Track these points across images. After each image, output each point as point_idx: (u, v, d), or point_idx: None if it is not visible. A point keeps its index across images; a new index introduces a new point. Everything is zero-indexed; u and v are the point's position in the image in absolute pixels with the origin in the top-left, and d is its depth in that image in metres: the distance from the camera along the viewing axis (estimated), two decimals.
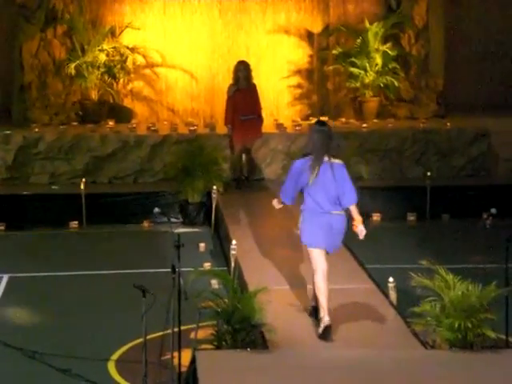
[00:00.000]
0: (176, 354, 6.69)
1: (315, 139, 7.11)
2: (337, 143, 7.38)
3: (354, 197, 7.12)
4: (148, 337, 6.58)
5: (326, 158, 7.08)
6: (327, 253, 7.19)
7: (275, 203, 7.47)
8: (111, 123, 13.61)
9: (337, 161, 7.15)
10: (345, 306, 7.82)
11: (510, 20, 15.02)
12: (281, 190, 7.31)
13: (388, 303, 7.80)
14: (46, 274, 9.86)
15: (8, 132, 12.88)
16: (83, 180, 12.09)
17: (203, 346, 6.87)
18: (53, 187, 12.56)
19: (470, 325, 6.66)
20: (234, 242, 9.00)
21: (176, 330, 6.61)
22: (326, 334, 6.99)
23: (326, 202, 7.06)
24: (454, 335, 6.71)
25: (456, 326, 6.67)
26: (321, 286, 7.09)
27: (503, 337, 6.96)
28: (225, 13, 14.23)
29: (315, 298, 7.24)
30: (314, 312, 7.33)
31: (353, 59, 13.78)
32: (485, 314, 6.71)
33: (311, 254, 7.17)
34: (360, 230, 7.13)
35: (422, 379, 6.35)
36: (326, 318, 7.01)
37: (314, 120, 7.66)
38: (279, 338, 6.84)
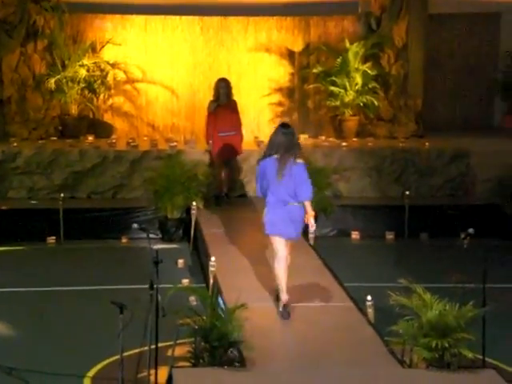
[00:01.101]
0: (153, 371, 6.65)
1: (281, 141, 7.84)
2: (299, 143, 8.05)
3: (310, 194, 7.89)
4: (125, 354, 6.54)
5: (290, 158, 7.82)
6: (288, 240, 7.96)
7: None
8: (91, 138, 13.58)
9: (299, 160, 7.90)
10: (323, 323, 7.83)
11: (489, 41, 15.19)
12: (256, 189, 8.08)
13: (366, 321, 7.81)
14: (22, 289, 9.78)
15: None
16: (61, 195, 12.04)
17: (180, 364, 6.83)
18: (31, 202, 12.48)
19: (447, 344, 6.68)
20: (212, 258, 8.99)
21: (153, 346, 6.57)
22: (283, 312, 7.87)
23: (287, 196, 7.84)
24: (431, 354, 6.72)
25: (433, 345, 6.69)
26: (279, 270, 7.93)
27: (480, 357, 6.98)
28: (206, 30, 14.28)
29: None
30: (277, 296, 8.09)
31: (333, 78, 13.87)
32: (462, 334, 6.73)
33: (273, 242, 7.99)
34: (311, 223, 7.95)
35: None
36: (283, 297, 7.89)
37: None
38: (257, 355, 6.82)
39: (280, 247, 7.93)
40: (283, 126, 8.05)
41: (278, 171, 7.78)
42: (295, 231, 7.97)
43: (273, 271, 8.08)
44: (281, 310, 7.93)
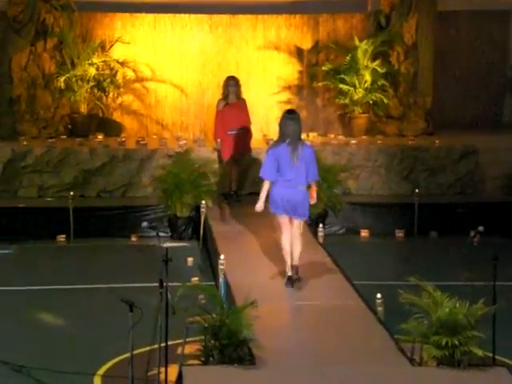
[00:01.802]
0: (163, 369, 6.66)
1: (289, 127, 8.42)
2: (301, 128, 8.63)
3: (317, 175, 8.63)
4: (135, 352, 6.55)
5: (299, 142, 8.47)
6: (293, 219, 8.56)
7: (258, 207, 8.70)
8: (100, 137, 13.60)
9: (306, 143, 8.75)
10: (332, 322, 7.83)
11: (498, 38, 15.14)
12: (262, 170, 8.61)
13: (375, 320, 7.80)
14: (32, 287, 9.81)
15: None
16: (71, 193, 12.07)
17: (190, 362, 6.84)
18: (41, 200, 12.51)
19: (457, 342, 6.67)
20: (222, 256, 8.99)
21: (163, 345, 6.58)
22: (288, 283, 8.61)
23: (295, 179, 8.44)
24: (441, 352, 6.71)
25: (443, 343, 6.67)
26: (286, 247, 8.61)
27: (490, 354, 6.97)
28: (215, 28, 14.28)
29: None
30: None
31: (342, 76, 13.84)
32: (472, 332, 6.72)
33: (279, 221, 8.64)
34: (313, 196, 8.59)
35: None
36: (289, 272, 8.60)
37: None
38: (267, 353, 6.82)
39: (285, 225, 8.55)
40: (289, 112, 8.65)
41: (292, 156, 8.36)
42: (303, 211, 8.57)
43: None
44: (286, 280, 8.64)
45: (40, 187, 12.75)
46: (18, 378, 7.22)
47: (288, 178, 8.41)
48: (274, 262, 9.59)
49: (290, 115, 8.53)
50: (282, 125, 8.51)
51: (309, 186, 8.57)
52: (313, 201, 8.62)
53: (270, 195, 8.54)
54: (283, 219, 8.58)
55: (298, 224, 8.58)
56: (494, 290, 6.90)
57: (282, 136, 8.46)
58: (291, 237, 8.56)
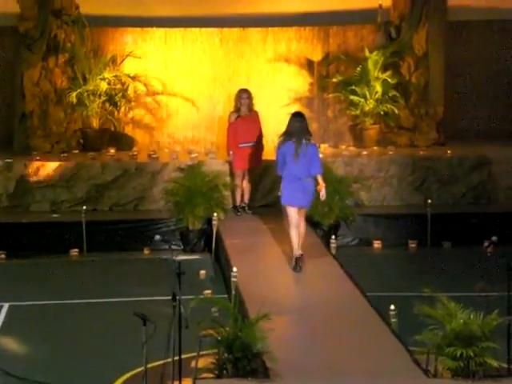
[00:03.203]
0: (176, 382, 6.65)
1: (296, 127, 9.51)
2: (309, 129, 9.67)
3: (320, 169, 9.56)
4: (148, 365, 6.55)
5: (304, 140, 9.47)
6: (300, 208, 9.55)
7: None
8: (112, 151, 13.65)
9: (311, 142, 9.64)
10: (346, 334, 7.80)
11: (509, 48, 15.12)
12: (277, 168, 9.66)
13: (389, 331, 7.77)
14: (46, 302, 9.83)
15: (9, 160, 12.91)
16: (84, 208, 12.11)
17: (204, 375, 6.83)
18: (54, 215, 12.56)
19: (472, 353, 6.63)
20: (234, 269, 8.99)
21: (176, 358, 6.57)
22: (295, 266, 9.55)
23: (302, 173, 9.45)
24: (456, 364, 6.67)
25: (458, 354, 6.64)
26: (293, 235, 9.58)
27: (505, 365, 6.92)
28: (225, 41, 14.33)
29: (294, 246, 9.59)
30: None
31: (353, 87, 13.85)
32: (487, 343, 6.68)
33: (287, 211, 9.61)
34: (322, 192, 9.56)
35: None
36: (295, 253, 9.56)
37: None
38: (281, 366, 6.80)
39: (293, 215, 9.55)
40: (295, 114, 9.82)
41: (296, 152, 9.42)
42: (306, 201, 9.59)
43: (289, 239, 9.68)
44: (293, 263, 9.56)
45: (53, 202, 12.79)
46: None
47: (294, 172, 9.45)
48: (286, 274, 9.57)
49: (295, 115, 9.74)
50: (288, 124, 9.63)
51: (316, 183, 9.52)
52: (323, 197, 9.57)
53: (281, 188, 9.59)
54: (291, 210, 9.55)
55: (304, 213, 9.63)
56: (509, 300, 6.86)
57: (289, 134, 9.52)
58: (298, 226, 9.54)
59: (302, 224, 9.66)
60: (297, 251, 9.57)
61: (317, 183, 9.52)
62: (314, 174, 9.49)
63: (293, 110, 14.26)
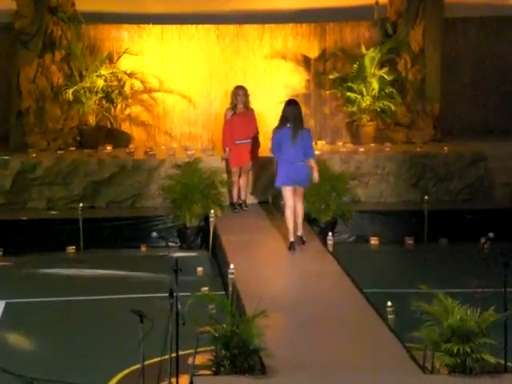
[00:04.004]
0: (174, 380, 6.65)
1: (290, 113, 10.13)
2: (303, 115, 10.39)
3: (313, 153, 10.28)
4: (146, 362, 6.55)
5: (299, 126, 10.09)
6: (295, 187, 10.15)
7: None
8: (109, 148, 13.64)
9: (305, 128, 10.33)
10: (343, 330, 7.80)
11: (506, 45, 15.12)
12: (272, 151, 10.33)
13: (386, 328, 7.77)
14: (43, 299, 9.83)
15: (6, 157, 12.89)
16: (81, 205, 12.09)
17: (201, 372, 6.83)
18: (50, 212, 12.55)
19: (468, 350, 6.64)
20: (231, 266, 8.99)
21: (174, 355, 6.57)
22: (290, 247, 10.12)
23: (297, 156, 10.06)
24: (453, 360, 6.68)
25: (455, 350, 6.65)
26: (288, 217, 10.14)
27: (502, 361, 6.93)
28: (222, 38, 14.32)
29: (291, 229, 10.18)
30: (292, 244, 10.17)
31: (350, 84, 13.84)
32: (484, 339, 6.69)
33: (284, 193, 10.23)
34: (315, 175, 10.21)
35: None
36: (290, 238, 10.15)
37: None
38: (278, 363, 6.81)
39: (289, 196, 10.15)
40: (290, 101, 10.44)
41: (293, 137, 10.02)
42: (301, 180, 10.17)
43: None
44: (288, 245, 10.12)
45: (49, 199, 12.78)
46: None
47: (290, 156, 10.05)
48: (283, 270, 9.57)
49: (289, 102, 10.38)
50: (283, 110, 10.22)
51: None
52: (315, 179, 10.19)
53: (277, 171, 10.20)
54: (287, 191, 10.16)
55: (300, 192, 10.21)
56: (505, 296, 6.87)
57: (284, 120, 10.14)
58: (294, 206, 10.12)
59: (299, 205, 10.14)
60: (292, 234, 10.10)
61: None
62: (308, 156, 10.09)
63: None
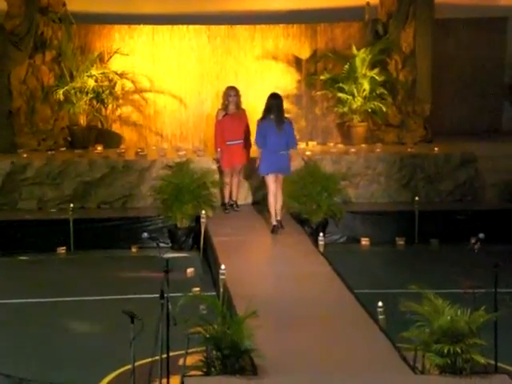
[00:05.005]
0: (164, 380, 6.64)
1: (273, 105, 10.91)
2: (283, 107, 11.06)
3: (295, 142, 11.18)
4: (136, 363, 6.54)
5: (282, 117, 10.90)
6: (277, 175, 11.01)
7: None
8: (99, 148, 13.62)
9: (287, 119, 11.13)
10: (334, 331, 7.81)
11: (496, 46, 15.17)
12: (256, 140, 11.06)
13: (377, 328, 7.79)
14: (33, 300, 9.80)
15: None
16: (71, 205, 12.07)
17: (192, 373, 6.82)
18: (41, 213, 12.51)
19: (459, 350, 6.66)
20: (222, 266, 8.99)
21: (164, 356, 6.57)
22: (273, 231, 10.97)
23: (279, 146, 10.90)
24: (444, 360, 6.70)
25: (445, 351, 6.66)
26: (271, 202, 11.00)
27: (492, 362, 6.95)
28: (213, 38, 14.32)
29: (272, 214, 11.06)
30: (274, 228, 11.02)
31: (340, 85, 13.87)
32: (474, 339, 6.71)
33: (266, 181, 11.07)
34: (290, 165, 11.09)
35: None
36: (273, 222, 11.01)
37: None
38: (268, 363, 6.81)
39: (271, 183, 10.98)
40: (272, 94, 11.13)
41: (277, 127, 10.82)
42: (282, 168, 10.98)
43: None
44: (272, 229, 10.94)
45: (40, 199, 12.75)
46: None
47: (273, 146, 10.82)
48: (274, 271, 9.58)
49: (272, 95, 11.09)
50: (267, 102, 10.95)
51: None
52: (290, 169, 11.08)
53: (261, 160, 10.94)
54: (270, 178, 10.97)
55: (281, 180, 11.04)
56: (496, 297, 6.89)
57: (267, 111, 10.87)
58: (275, 193, 10.94)
59: (279, 193, 11.03)
60: (274, 218, 10.96)
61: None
62: (291, 146, 10.95)
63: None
